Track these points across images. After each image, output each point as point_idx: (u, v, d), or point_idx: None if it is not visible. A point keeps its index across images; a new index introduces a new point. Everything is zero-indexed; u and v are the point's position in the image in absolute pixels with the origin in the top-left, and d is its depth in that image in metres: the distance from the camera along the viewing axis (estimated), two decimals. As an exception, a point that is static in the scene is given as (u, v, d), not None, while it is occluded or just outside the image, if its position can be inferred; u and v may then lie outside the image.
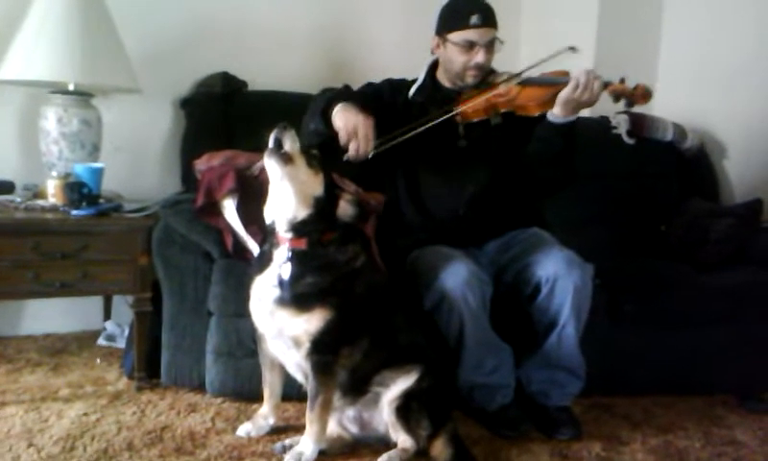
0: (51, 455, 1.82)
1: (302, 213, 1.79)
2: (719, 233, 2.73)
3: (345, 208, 1.85)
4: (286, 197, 1.79)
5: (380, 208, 2.37)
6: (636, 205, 3.09)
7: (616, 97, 2.09)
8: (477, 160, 2.26)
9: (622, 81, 2.08)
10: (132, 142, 2.83)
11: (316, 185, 1.81)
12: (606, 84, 2.07)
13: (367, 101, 2.13)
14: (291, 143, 1.78)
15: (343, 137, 2.02)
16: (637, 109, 2.27)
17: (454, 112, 2.17)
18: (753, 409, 2.47)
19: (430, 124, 2.14)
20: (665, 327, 2.50)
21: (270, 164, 1.77)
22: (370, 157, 2.05)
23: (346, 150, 2.03)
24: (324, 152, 1.92)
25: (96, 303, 2.81)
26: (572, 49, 2.09)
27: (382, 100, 2.30)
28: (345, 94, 2.15)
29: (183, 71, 2.87)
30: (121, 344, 2.65)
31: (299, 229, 1.80)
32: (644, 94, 2.08)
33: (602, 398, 2.42)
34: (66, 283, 2.17)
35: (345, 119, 2.02)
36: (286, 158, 1.76)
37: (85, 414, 2.08)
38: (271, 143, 1.77)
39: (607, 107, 2.36)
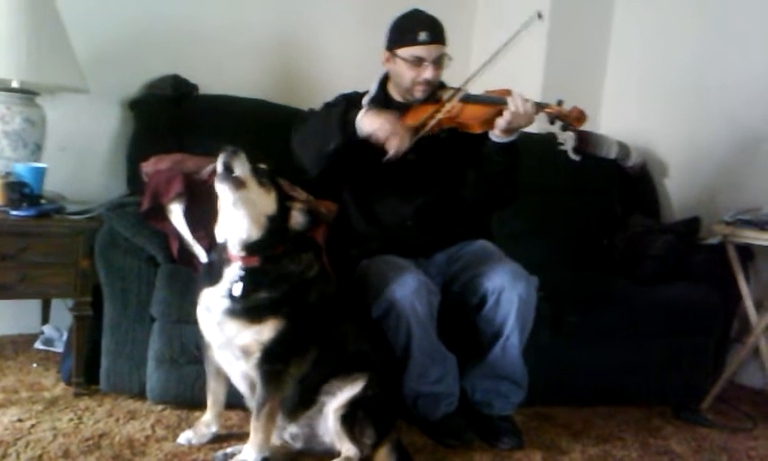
0: (-19, 463, 1.76)
1: (256, 234, 1.77)
2: (658, 249, 2.82)
3: (296, 218, 1.84)
4: (239, 219, 1.76)
5: (331, 217, 2.38)
6: (579, 219, 3.17)
7: (552, 120, 2.13)
8: (425, 174, 2.28)
9: (559, 103, 2.12)
10: (77, 143, 2.76)
11: (269, 204, 1.79)
12: (542, 107, 2.10)
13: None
14: (241, 167, 1.74)
15: (380, 138, 2.04)
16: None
17: (445, 110, 2.16)
18: (687, 420, 2.56)
19: (443, 108, 2.14)
20: (605, 340, 2.58)
21: (221, 190, 1.74)
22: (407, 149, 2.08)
23: (381, 152, 2.05)
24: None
25: (34, 305, 2.72)
26: (539, 16, 2.12)
27: None
28: (346, 106, 2.15)
29: (133, 72, 2.82)
30: (59, 348, 2.58)
31: (252, 248, 1.78)
32: (579, 117, 2.11)
33: (543, 407, 2.47)
34: (4, 286, 2.10)
35: (377, 122, 2.05)
36: (238, 183, 1.73)
37: (20, 420, 2.01)
38: (220, 168, 1.72)
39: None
